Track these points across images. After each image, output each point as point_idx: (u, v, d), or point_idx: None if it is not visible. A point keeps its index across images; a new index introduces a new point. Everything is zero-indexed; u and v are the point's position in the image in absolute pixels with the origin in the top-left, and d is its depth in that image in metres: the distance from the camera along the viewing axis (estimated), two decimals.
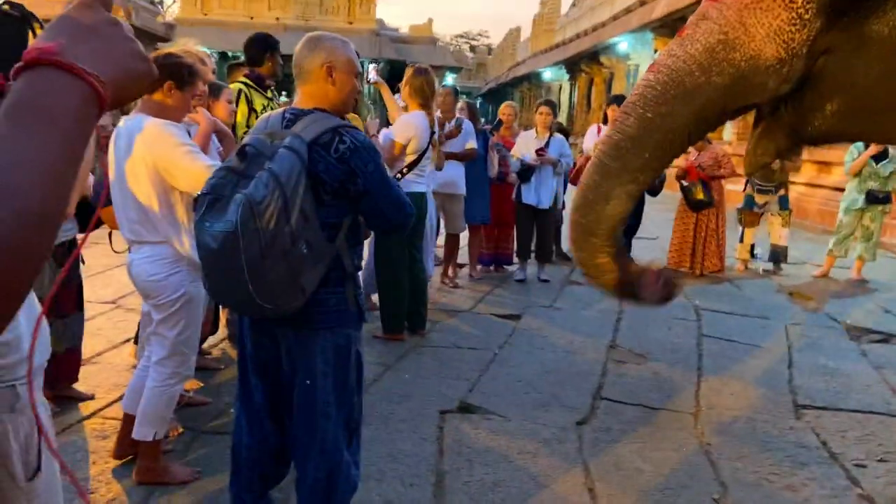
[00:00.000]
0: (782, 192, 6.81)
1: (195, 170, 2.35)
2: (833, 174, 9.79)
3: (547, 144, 6.01)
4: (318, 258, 1.84)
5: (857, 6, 2.29)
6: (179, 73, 2.44)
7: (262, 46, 4.28)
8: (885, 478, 2.83)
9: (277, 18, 24.50)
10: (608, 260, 2.06)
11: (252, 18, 24.02)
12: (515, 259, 6.37)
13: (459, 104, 5.87)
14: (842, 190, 7.10)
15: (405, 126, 4.28)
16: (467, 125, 5.60)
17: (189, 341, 2.53)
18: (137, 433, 2.50)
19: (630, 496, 2.61)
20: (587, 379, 3.80)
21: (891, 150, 6.44)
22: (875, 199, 6.52)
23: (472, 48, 58.91)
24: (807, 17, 2.26)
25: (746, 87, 2.32)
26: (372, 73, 5.13)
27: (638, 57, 18.93)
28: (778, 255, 6.93)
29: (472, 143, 5.54)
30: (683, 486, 2.70)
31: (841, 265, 6.89)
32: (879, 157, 6.43)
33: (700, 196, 6.43)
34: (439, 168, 5.07)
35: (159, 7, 34.43)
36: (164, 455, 2.62)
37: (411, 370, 3.83)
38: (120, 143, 2.44)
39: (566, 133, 7.17)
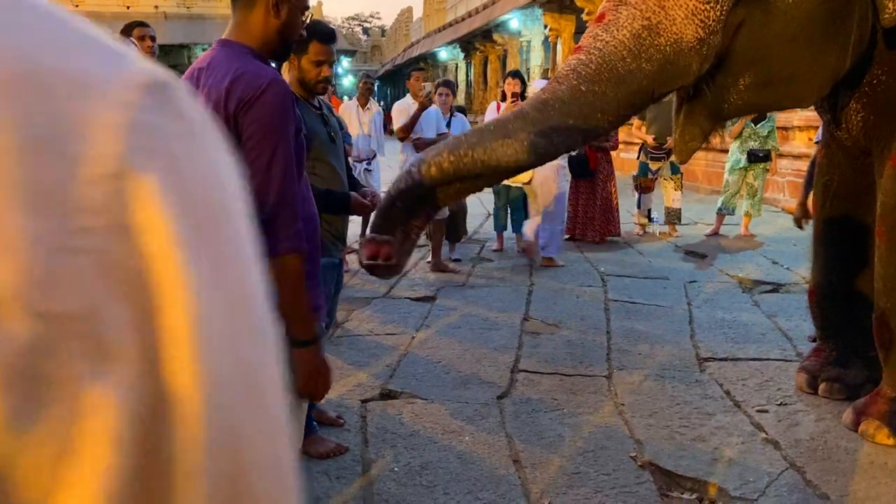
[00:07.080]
0: (672, 157, 7.12)
1: None
2: (715, 137, 10.32)
3: (448, 124, 6.02)
4: None
5: None
6: None
7: (122, 33, 4.22)
8: (787, 420, 3.03)
9: (156, 7, 23.17)
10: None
11: (128, 8, 22.59)
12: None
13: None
14: (725, 151, 7.52)
15: None
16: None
17: None
18: None
19: (554, 462, 2.69)
20: (504, 353, 3.87)
21: None
22: (756, 157, 6.94)
23: (366, 30, 58.23)
24: None
25: (674, 71, 2.38)
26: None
27: (529, 33, 19.23)
28: (672, 217, 7.28)
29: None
30: (602, 447, 2.80)
31: (729, 222, 7.30)
32: (757, 119, 6.83)
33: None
34: None
35: None
36: None
37: (329, 361, 3.78)
38: None
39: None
